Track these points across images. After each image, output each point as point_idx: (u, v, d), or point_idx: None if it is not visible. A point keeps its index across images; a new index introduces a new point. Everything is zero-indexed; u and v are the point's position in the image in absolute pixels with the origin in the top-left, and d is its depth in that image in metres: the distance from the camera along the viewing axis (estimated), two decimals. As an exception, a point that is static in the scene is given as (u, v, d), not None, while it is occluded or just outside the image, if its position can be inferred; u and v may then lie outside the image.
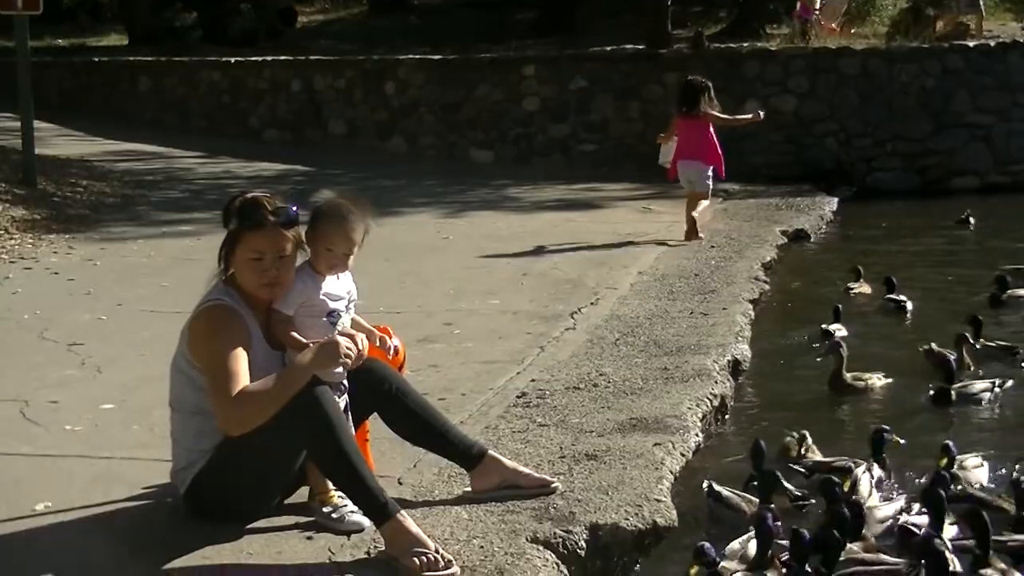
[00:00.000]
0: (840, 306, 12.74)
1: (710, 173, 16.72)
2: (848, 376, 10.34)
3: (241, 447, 6.21)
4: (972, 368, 10.78)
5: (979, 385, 10.23)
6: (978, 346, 11.35)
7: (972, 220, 18.53)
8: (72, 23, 38.65)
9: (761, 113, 17.52)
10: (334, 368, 6.33)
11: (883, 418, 9.55)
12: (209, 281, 6.57)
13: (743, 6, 31.94)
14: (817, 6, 29.38)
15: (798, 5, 27.96)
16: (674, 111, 17.44)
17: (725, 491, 7.56)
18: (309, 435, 6.18)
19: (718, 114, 16.94)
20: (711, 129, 16.75)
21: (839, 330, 11.99)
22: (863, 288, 14.28)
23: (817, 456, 8.75)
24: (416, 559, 5.96)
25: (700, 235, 16.42)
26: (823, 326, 12.16)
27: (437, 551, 6.03)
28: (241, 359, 6.18)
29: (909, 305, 13.46)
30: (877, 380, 10.63)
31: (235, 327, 6.31)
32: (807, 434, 8.99)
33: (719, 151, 16.76)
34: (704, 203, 16.91)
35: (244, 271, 6.40)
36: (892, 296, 13.60)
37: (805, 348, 11.80)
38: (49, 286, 13.21)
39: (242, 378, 6.10)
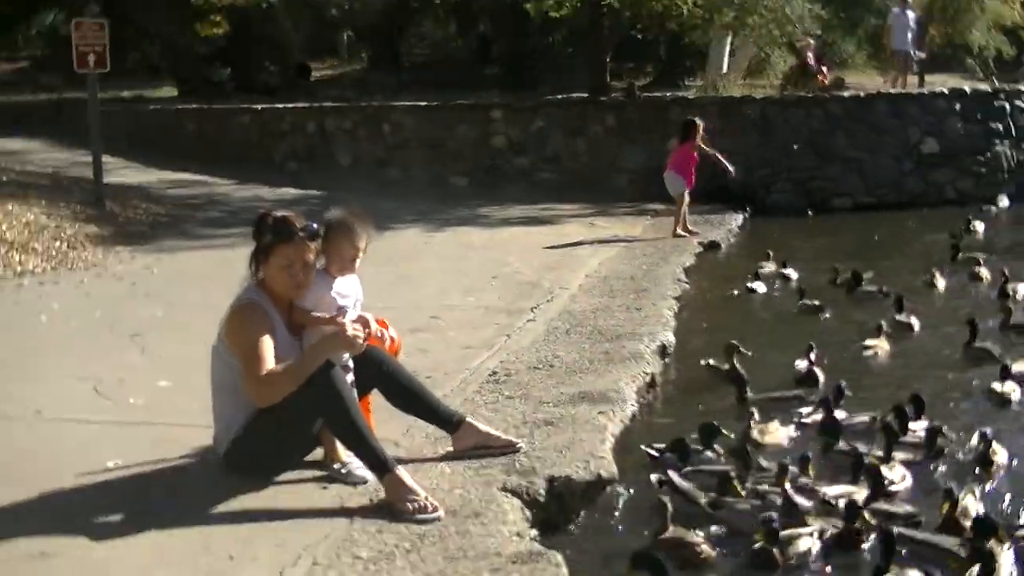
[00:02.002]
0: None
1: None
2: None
3: (270, 417, 6.30)
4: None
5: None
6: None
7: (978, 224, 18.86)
8: (133, 78, 38.48)
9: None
10: (344, 352, 6.46)
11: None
12: (242, 283, 6.66)
13: (666, 63, 31.98)
14: (724, 68, 29.46)
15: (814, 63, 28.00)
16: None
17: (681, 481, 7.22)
18: (324, 406, 6.24)
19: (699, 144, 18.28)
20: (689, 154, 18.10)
21: (760, 287, 14.29)
22: (769, 266, 15.27)
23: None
24: (409, 504, 6.06)
25: (683, 232, 17.85)
26: (748, 285, 14.24)
27: (426, 498, 6.12)
28: (268, 345, 6.28)
29: (794, 275, 14.84)
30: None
31: (263, 320, 6.39)
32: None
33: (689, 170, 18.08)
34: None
35: (277, 276, 6.52)
36: (783, 271, 15.01)
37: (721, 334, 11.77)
38: (115, 289, 13.15)
39: (268, 361, 6.21)
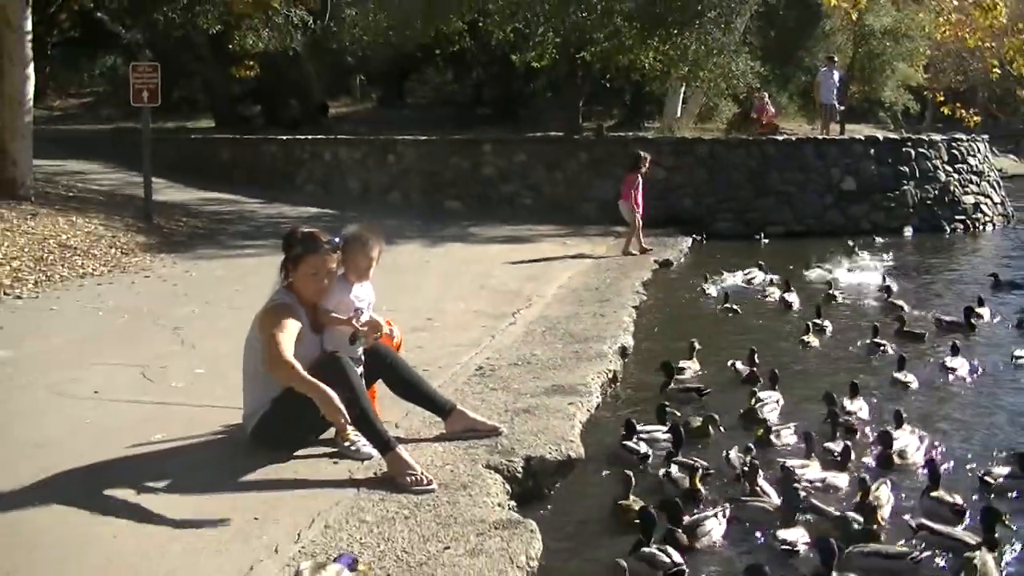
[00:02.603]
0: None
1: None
2: None
3: (291, 400, 6.28)
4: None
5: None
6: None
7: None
8: (177, 112, 38.47)
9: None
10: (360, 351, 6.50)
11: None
12: (274, 286, 6.71)
13: (630, 109, 32.08)
14: (679, 114, 29.53)
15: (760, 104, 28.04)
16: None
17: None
18: (338, 392, 6.19)
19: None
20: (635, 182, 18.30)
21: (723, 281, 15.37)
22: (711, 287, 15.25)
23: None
24: (408, 477, 6.08)
25: (633, 251, 17.90)
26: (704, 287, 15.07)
27: (422, 473, 6.13)
28: (292, 331, 6.33)
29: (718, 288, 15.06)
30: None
31: (291, 318, 6.40)
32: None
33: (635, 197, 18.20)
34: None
35: (305, 282, 6.59)
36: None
37: (672, 338, 11.80)
38: (160, 289, 13.11)
39: (289, 343, 6.25)
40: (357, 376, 6.40)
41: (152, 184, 19.31)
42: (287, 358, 6.17)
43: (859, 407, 8.74)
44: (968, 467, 7.49)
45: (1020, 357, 10.66)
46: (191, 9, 32.18)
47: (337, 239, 6.73)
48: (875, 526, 6.17)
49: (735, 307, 13.56)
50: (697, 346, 10.63)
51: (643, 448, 7.57)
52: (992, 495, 6.89)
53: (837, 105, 29.48)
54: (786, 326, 12.76)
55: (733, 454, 7.40)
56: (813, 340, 11.61)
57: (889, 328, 12.27)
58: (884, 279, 15.67)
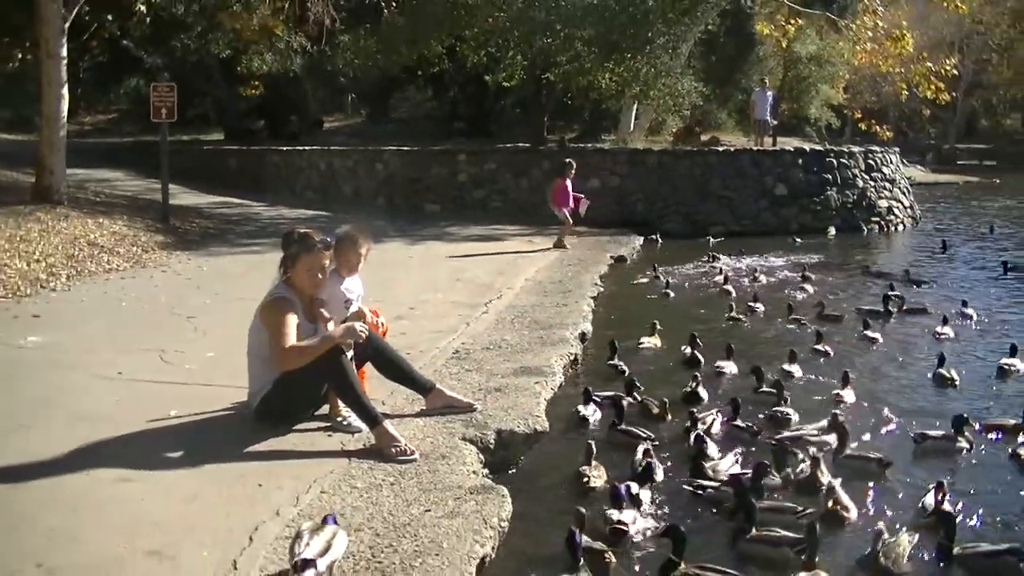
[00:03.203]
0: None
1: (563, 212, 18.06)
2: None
3: (290, 381, 6.32)
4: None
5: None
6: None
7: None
8: (191, 126, 38.28)
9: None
10: (350, 340, 6.44)
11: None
12: (274, 281, 6.69)
13: (588, 123, 32.08)
14: (632, 128, 29.53)
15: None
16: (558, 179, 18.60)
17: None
18: (331, 374, 6.24)
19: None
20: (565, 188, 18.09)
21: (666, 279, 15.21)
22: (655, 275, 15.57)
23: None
24: (393, 448, 6.09)
25: (566, 244, 17.79)
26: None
27: (406, 444, 6.14)
28: (293, 325, 6.32)
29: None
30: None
31: (290, 309, 6.41)
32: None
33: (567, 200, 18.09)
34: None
35: (303, 278, 6.58)
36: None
37: (626, 325, 11.82)
38: (175, 282, 13.05)
39: (292, 337, 6.25)
40: (347, 359, 6.38)
41: (169, 190, 19.24)
42: (291, 345, 6.21)
43: (795, 369, 9.41)
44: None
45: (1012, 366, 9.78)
46: (204, 36, 32.19)
47: (330, 238, 6.73)
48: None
49: (670, 292, 14.26)
50: (659, 327, 10.91)
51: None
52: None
53: (770, 121, 29.54)
54: (724, 313, 12.75)
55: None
56: (743, 318, 12.30)
57: (811, 312, 12.63)
58: (805, 270, 16.17)
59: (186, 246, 16.64)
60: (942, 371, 9.31)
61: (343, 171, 26.48)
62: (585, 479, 6.39)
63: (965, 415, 7.48)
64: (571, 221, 18.24)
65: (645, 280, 15.53)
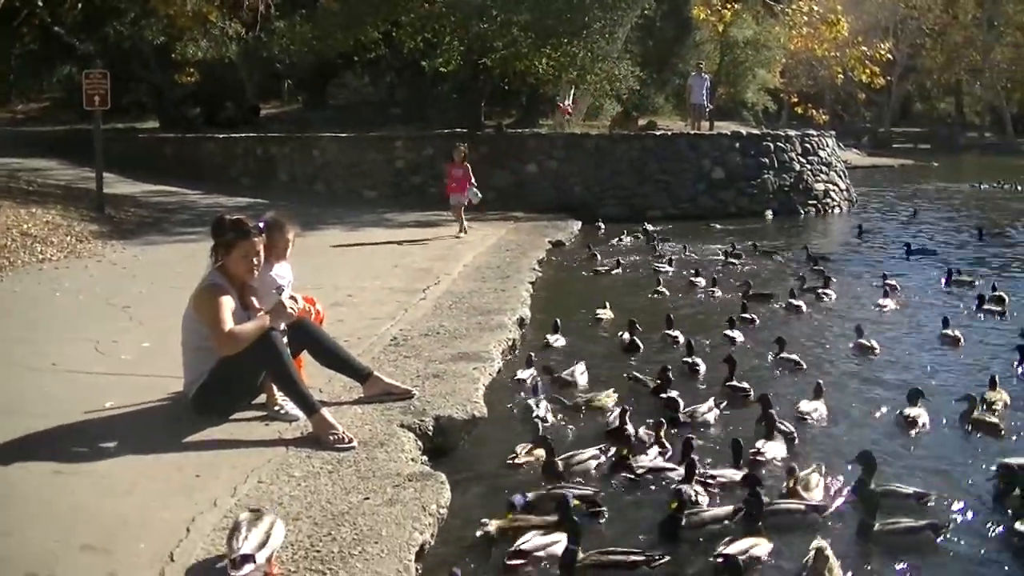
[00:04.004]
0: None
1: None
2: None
3: (226, 369, 6.31)
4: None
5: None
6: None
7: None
8: (126, 114, 37.77)
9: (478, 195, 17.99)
10: (284, 321, 6.41)
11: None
12: (207, 268, 6.64)
13: (526, 108, 32.02)
14: (570, 106, 29.55)
15: (562, 103, 27.96)
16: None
17: None
18: (268, 362, 6.26)
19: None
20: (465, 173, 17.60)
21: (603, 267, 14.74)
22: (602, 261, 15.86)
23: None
24: (331, 436, 6.10)
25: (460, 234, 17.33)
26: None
27: (344, 432, 6.16)
28: (229, 311, 6.28)
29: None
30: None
31: (224, 295, 6.35)
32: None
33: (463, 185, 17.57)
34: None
35: (238, 264, 6.52)
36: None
37: (565, 309, 11.88)
38: (110, 272, 12.90)
39: (229, 322, 6.22)
40: (284, 347, 6.35)
41: (104, 179, 18.94)
42: (230, 328, 6.19)
43: (736, 335, 10.41)
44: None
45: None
46: (138, 23, 31.71)
47: (262, 224, 6.69)
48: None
49: (607, 269, 15.13)
50: (608, 304, 11.75)
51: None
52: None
53: (707, 105, 29.73)
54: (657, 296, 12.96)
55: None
56: (665, 291, 13.30)
57: (740, 290, 13.17)
58: (734, 246, 17.22)
59: (121, 235, 16.43)
60: (862, 341, 10.06)
61: (280, 158, 26.29)
62: (512, 455, 6.61)
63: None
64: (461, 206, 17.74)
65: (582, 265, 15.69)
